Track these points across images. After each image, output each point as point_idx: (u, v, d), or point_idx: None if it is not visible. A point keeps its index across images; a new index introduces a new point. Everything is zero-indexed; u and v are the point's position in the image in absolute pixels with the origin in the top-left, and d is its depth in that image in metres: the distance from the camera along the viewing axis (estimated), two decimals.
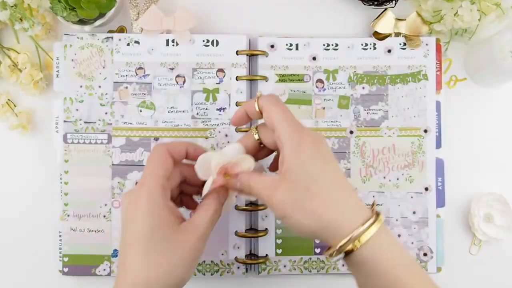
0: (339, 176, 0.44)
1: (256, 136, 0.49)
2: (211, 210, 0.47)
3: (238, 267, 0.61)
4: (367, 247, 0.42)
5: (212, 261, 0.61)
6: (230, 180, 0.48)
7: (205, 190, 0.48)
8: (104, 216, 0.60)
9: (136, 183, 0.56)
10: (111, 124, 0.61)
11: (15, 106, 0.63)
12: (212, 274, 0.61)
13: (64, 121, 0.61)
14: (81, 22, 0.61)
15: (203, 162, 0.47)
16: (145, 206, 0.44)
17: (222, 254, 0.61)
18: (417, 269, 0.44)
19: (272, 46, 0.62)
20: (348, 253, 0.42)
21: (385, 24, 0.63)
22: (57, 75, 0.61)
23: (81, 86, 0.61)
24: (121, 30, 0.62)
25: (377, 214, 0.43)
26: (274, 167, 0.52)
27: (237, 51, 0.61)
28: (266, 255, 0.61)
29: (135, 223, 0.44)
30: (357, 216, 0.42)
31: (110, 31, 0.62)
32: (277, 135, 0.46)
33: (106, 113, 0.61)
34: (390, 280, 0.42)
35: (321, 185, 0.43)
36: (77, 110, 0.61)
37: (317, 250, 0.61)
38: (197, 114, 0.61)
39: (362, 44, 0.63)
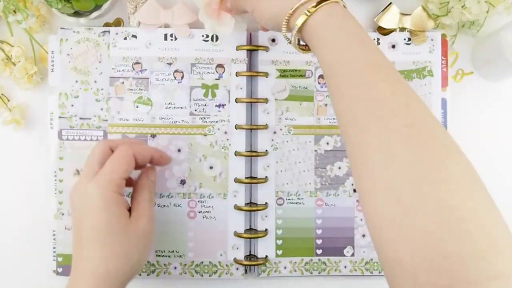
0: None
1: None
2: (146, 193, 0.51)
3: (237, 269, 0.59)
4: (319, 16, 0.43)
5: (210, 262, 0.59)
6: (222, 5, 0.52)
7: (203, 14, 0.52)
8: None
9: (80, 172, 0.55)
10: (106, 120, 0.60)
11: (8, 100, 0.62)
12: (210, 276, 0.59)
13: (59, 117, 0.60)
14: (77, 14, 0.59)
15: None
16: (99, 201, 0.46)
17: (221, 255, 0.59)
18: (371, 42, 0.42)
19: (273, 41, 0.61)
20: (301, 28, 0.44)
21: (390, 19, 0.61)
22: (52, 69, 0.60)
23: (76, 81, 0.60)
24: (118, 22, 0.61)
25: None
26: None
27: (237, 46, 0.60)
28: (266, 256, 0.60)
29: (91, 218, 0.46)
30: None
31: (106, 24, 0.61)
32: None
33: (101, 109, 0.60)
34: (339, 48, 0.41)
35: None
36: (72, 105, 0.60)
37: (319, 251, 0.60)
38: (196, 110, 0.60)
39: None
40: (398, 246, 0.35)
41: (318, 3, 0.43)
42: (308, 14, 0.43)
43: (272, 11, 0.46)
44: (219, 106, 0.60)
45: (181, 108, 0.60)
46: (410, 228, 0.34)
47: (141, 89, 0.60)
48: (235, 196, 0.59)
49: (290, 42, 0.46)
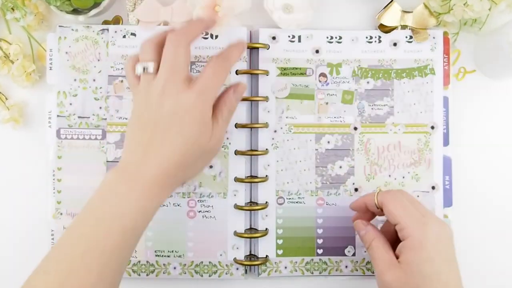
0: (454, 278, 0.47)
1: (376, 202, 0.52)
2: (226, 111, 0.51)
3: (237, 269, 0.59)
4: None
5: (210, 262, 0.59)
6: (358, 224, 0.54)
7: None
8: None
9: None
10: (105, 119, 0.59)
11: (6, 99, 0.61)
12: (210, 276, 0.59)
13: (57, 115, 0.59)
14: (75, 12, 0.59)
15: None
16: (198, 115, 0.47)
17: (221, 255, 0.59)
18: None
19: (274, 38, 0.60)
20: None
21: (391, 17, 0.61)
22: (51, 67, 0.59)
23: (75, 80, 0.59)
24: (117, 20, 0.61)
25: None
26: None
27: None
28: (266, 256, 0.59)
29: (183, 127, 0.47)
30: None
31: (105, 21, 0.61)
32: (399, 228, 0.48)
33: (100, 107, 0.59)
34: None
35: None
36: (70, 104, 0.59)
37: (319, 251, 0.59)
38: None
39: (367, 37, 0.61)
40: None
41: None
42: None
43: None
44: None
45: None
46: None
47: None
48: (235, 195, 0.59)
49: None
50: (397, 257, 0.48)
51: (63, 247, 0.45)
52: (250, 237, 0.59)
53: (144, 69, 0.49)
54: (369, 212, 0.54)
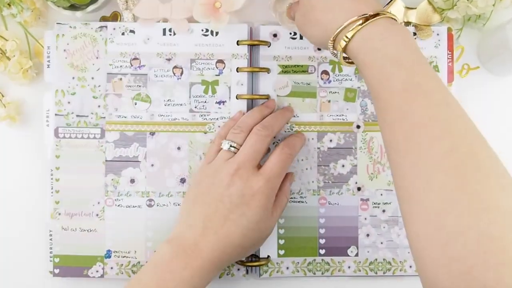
0: None
1: None
2: (284, 198, 0.55)
3: (238, 269, 0.58)
4: (356, 40, 0.43)
5: None
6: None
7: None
8: (97, 215, 0.58)
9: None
10: (104, 117, 0.58)
11: (3, 96, 0.60)
12: None
13: (55, 114, 0.58)
14: (73, 7, 0.58)
15: None
16: (264, 199, 0.50)
17: None
18: (413, 62, 0.41)
19: (275, 35, 0.59)
20: (344, 50, 0.45)
21: (395, 13, 0.60)
22: (48, 65, 0.59)
23: (73, 78, 0.58)
24: (115, 16, 0.60)
25: (378, 14, 0.43)
26: None
27: (237, 41, 0.59)
28: (268, 256, 0.58)
29: (248, 207, 0.49)
30: (350, 15, 0.44)
31: (104, 17, 0.60)
32: None
33: (99, 106, 0.58)
34: (376, 71, 0.42)
35: None
36: (69, 103, 0.58)
37: (322, 251, 0.59)
38: (195, 107, 0.59)
39: None
40: (438, 272, 0.35)
41: (360, 25, 0.43)
42: (346, 40, 0.44)
43: (315, 38, 0.48)
44: (219, 103, 0.59)
45: (181, 105, 0.58)
46: (450, 256, 0.34)
47: (140, 86, 0.58)
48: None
49: (336, 57, 0.47)
50: None
51: None
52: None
53: (230, 147, 0.53)
54: None
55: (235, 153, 0.52)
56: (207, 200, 0.50)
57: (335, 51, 0.47)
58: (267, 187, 0.50)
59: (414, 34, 0.60)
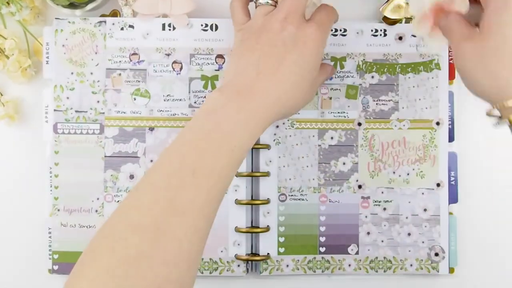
0: None
1: None
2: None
3: (239, 265, 0.58)
4: None
5: (210, 259, 0.58)
6: (439, 15, 0.48)
7: (414, 26, 0.49)
8: (96, 211, 0.58)
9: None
10: (103, 113, 0.58)
11: (1, 95, 0.60)
12: (210, 273, 0.58)
13: (54, 110, 0.58)
14: (72, 5, 0.58)
15: None
16: (317, 45, 0.48)
17: (222, 251, 0.58)
18: None
19: None
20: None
21: (395, 9, 0.59)
22: (47, 61, 0.59)
23: (72, 73, 0.58)
24: (114, 14, 0.60)
25: None
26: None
27: None
28: (268, 254, 0.58)
29: (304, 56, 0.47)
30: None
31: (103, 15, 0.60)
32: None
33: (98, 101, 0.58)
34: None
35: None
36: (67, 98, 0.58)
37: (322, 249, 0.59)
38: (195, 102, 0.58)
39: (372, 30, 0.60)
40: None
41: None
42: None
43: (478, 87, 0.44)
44: None
45: (180, 100, 0.58)
46: None
47: (139, 81, 0.58)
48: (236, 190, 0.58)
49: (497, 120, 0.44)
50: None
51: (173, 162, 0.42)
52: (251, 232, 0.58)
53: (267, 1, 0.50)
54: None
55: (274, 6, 0.50)
56: (258, 47, 0.47)
57: (498, 114, 0.43)
58: (320, 31, 0.48)
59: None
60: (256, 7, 0.51)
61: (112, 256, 0.38)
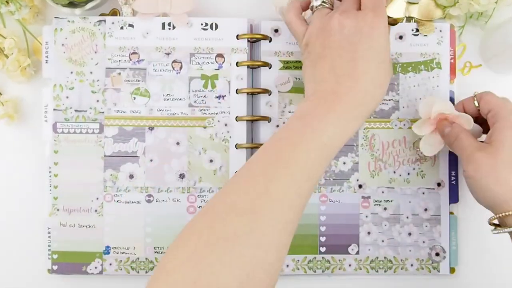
0: None
1: (476, 103, 0.54)
2: None
3: None
4: None
5: None
6: (443, 122, 0.54)
7: (416, 126, 0.56)
8: (96, 211, 0.58)
9: None
10: (103, 112, 0.58)
11: (1, 94, 0.60)
12: None
13: (54, 109, 0.58)
14: (71, 5, 0.58)
15: (427, 103, 0.54)
16: (385, 40, 0.48)
17: None
18: None
19: (276, 31, 0.59)
20: None
21: (396, 8, 0.59)
22: (47, 60, 0.59)
23: (71, 72, 0.58)
24: (114, 13, 0.60)
25: None
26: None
27: (237, 35, 0.58)
28: None
29: (373, 42, 0.47)
30: None
31: (102, 14, 0.60)
32: (492, 114, 0.51)
33: (97, 101, 0.58)
34: None
35: None
36: (67, 97, 0.58)
37: (322, 249, 0.58)
38: (195, 102, 0.58)
39: None
40: None
41: None
42: None
43: (489, 194, 0.49)
44: (219, 97, 0.58)
45: (180, 99, 0.58)
46: None
47: (138, 80, 0.58)
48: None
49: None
50: None
51: (269, 154, 0.45)
52: None
53: (322, 3, 0.50)
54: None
55: (330, 9, 0.50)
56: (327, 53, 0.48)
57: (497, 223, 0.50)
58: (377, 16, 0.48)
59: (417, 30, 0.60)
60: (313, 12, 0.51)
61: (211, 233, 0.40)
